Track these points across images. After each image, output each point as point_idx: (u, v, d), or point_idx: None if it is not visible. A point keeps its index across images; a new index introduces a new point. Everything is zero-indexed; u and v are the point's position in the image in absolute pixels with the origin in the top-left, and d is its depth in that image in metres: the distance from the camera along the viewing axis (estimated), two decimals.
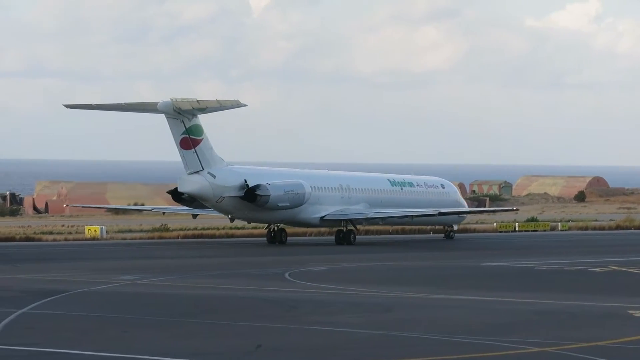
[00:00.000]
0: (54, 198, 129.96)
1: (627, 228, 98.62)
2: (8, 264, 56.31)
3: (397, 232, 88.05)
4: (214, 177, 71.70)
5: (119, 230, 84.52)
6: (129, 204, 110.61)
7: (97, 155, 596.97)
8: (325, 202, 77.27)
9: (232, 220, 78.45)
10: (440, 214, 79.28)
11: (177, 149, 71.82)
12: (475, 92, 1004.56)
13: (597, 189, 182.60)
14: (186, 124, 70.93)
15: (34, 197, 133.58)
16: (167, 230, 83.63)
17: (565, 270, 54.60)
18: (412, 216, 79.69)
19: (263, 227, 79.79)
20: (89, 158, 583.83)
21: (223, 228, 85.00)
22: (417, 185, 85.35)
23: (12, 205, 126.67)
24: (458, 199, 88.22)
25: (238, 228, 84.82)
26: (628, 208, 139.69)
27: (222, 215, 77.88)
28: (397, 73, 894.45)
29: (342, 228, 77.35)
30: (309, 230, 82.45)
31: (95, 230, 79.33)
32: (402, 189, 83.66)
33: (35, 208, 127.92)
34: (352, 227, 77.60)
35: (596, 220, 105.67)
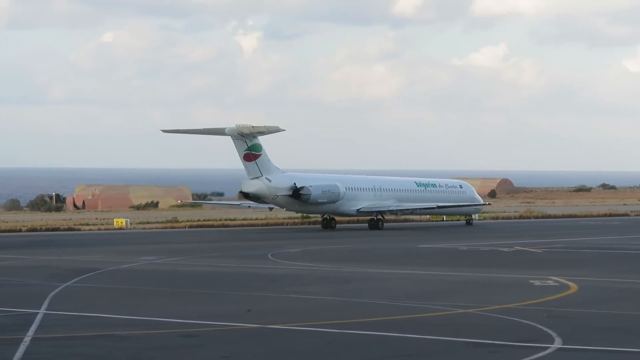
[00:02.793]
0: (89, 197, 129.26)
1: (527, 217, 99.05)
2: (55, 248, 56.03)
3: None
4: (270, 181, 73.56)
5: (139, 222, 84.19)
6: (150, 202, 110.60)
7: (123, 164, 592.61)
8: (360, 199, 78.30)
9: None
10: (439, 207, 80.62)
11: (240, 161, 73.16)
12: (413, 114, 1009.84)
13: (505, 187, 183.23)
14: (248, 143, 72.34)
15: (74, 196, 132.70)
16: (177, 221, 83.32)
17: (481, 250, 54.77)
18: (420, 208, 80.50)
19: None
20: (120, 166, 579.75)
21: (219, 219, 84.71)
22: (439, 186, 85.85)
23: (57, 203, 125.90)
24: (474, 196, 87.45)
25: (231, 219, 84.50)
26: (528, 202, 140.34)
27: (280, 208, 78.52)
28: (354, 100, 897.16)
29: (373, 217, 78.44)
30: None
31: (121, 222, 79.04)
32: (425, 189, 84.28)
33: (75, 205, 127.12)
34: (381, 217, 78.64)
35: (504, 212, 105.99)
